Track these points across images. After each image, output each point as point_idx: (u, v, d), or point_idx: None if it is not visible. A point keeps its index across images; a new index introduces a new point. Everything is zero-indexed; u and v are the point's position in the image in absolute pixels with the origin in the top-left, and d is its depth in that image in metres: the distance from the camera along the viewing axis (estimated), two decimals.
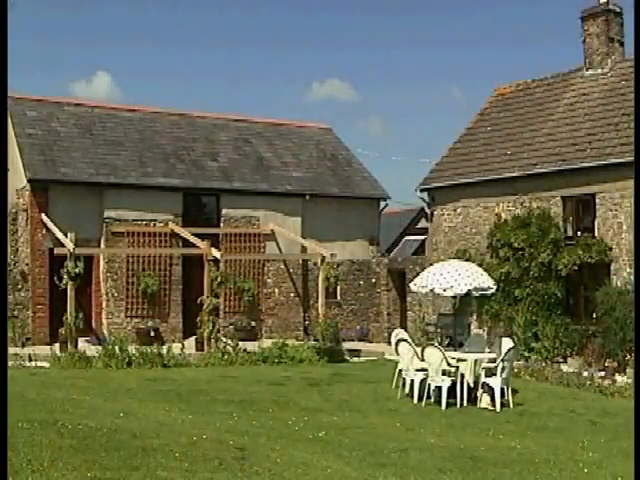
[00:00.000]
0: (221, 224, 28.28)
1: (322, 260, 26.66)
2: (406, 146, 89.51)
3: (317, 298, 27.04)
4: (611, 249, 23.28)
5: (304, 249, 29.14)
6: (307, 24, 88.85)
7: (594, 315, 23.25)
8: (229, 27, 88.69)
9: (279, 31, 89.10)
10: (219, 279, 24.52)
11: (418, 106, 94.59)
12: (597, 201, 23.75)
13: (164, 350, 22.37)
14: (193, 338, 24.88)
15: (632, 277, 22.69)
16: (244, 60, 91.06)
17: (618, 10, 27.29)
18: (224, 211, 28.35)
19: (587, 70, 27.48)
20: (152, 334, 25.70)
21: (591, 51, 27.36)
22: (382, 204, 32.52)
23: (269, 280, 29.06)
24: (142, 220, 26.79)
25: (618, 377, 21.00)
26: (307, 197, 29.78)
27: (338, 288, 30.12)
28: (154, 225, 26.92)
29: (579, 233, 24.41)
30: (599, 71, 27.04)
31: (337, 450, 11.87)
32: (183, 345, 23.63)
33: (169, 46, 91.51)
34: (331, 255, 27.11)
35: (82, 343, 23.33)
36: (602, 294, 22.84)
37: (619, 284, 22.90)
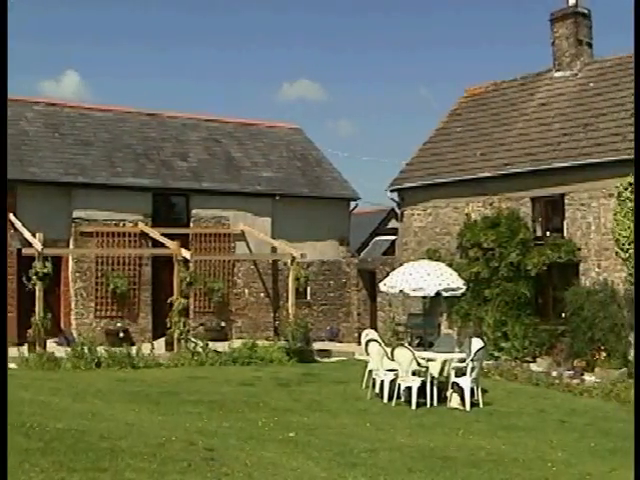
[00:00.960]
0: (191, 224, 28.19)
1: (292, 260, 26.64)
2: (376, 146, 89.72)
3: (287, 298, 27.00)
4: (580, 249, 23.44)
5: (274, 249, 29.10)
6: (277, 24, 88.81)
7: (563, 315, 23.41)
8: (199, 27, 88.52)
9: (249, 31, 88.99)
10: (189, 279, 24.45)
11: (388, 106, 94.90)
12: (566, 201, 23.90)
13: (133, 351, 22.27)
14: (163, 339, 24.75)
15: (600, 277, 22.88)
16: (214, 60, 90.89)
17: (586, 12, 27.51)
18: (194, 211, 28.26)
19: (556, 71, 27.68)
20: (121, 335, 25.56)
21: (560, 53, 27.56)
22: (352, 204, 32.53)
23: (239, 280, 29.00)
24: (111, 220, 26.64)
25: (587, 376, 21.15)
26: (277, 197, 29.75)
27: (308, 288, 30.14)
28: (123, 225, 26.78)
29: (548, 233, 24.56)
30: (568, 72, 27.25)
31: (307, 450, 11.86)
32: (153, 346, 23.50)
33: (139, 46, 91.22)
34: (301, 255, 27.10)
35: (51, 344, 23.17)
36: (571, 294, 23.00)
37: (588, 284, 23.07)
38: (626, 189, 22.19)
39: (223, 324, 28.11)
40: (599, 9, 53.51)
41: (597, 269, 23.07)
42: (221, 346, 24.22)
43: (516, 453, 12.68)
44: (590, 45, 27.70)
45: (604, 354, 21.71)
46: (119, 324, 26.14)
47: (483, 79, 32.48)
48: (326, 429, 13.99)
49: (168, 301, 24.15)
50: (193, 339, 24.05)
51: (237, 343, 24.79)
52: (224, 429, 13.23)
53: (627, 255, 22.24)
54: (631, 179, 22.04)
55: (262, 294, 29.39)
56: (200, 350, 23.22)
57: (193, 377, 20.21)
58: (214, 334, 26.80)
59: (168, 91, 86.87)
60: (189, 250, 25.55)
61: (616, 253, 22.58)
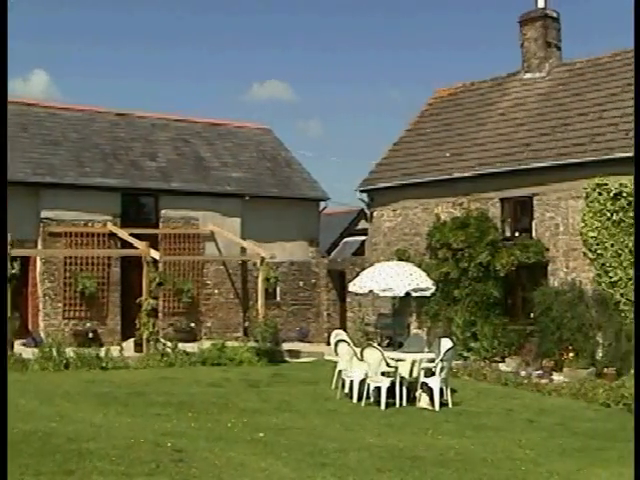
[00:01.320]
0: (160, 225, 28.06)
1: (261, 261, 26.61)
2: (346, 147, 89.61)
3: (257, 299, 26.96)
4: (548, 250, 23.59)
5: (243, 250, 29.06)
6: (246, 24, 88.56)
7: (532, 315, 23.54)
8: (169, 27, 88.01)
9: (219, 30, 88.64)
10: (158, 280, 24.34)
11: (357, 107, 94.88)
12: (535, 202, 24.05)
13: (102, 352, 22.12)
14: (132, 340, 24.62)
15: (568, 277, 23.04)
16: (183, 60, 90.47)
17: (555, 15, 27.74)
18: (163, 212, 28.14)
19: (525, 73, 27.85)
20: (90, 336, 25.38)
21: (529, 55, 27.75)
22: (322, 205, 32.56)
23: (208, 281, 28.91)
24: (80, 220, 26.44)
25: (555, 376, 21.29)
26: (246, 198, 29.68)
27: (278, 289, 30.13)
28: (92, 226, 26.59)
29: (517, 234, 24.70)
30: (537, 75, 27.43)
31: (276, 451, 11.85)
32: (122, 347, 23.36)
33: (108, 45, 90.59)
34: (270, 256, 27.08)
35: (18, 346, 22.98)
36: (539, 294, 23.15)
37: (556, 284, 23.23)
38: (594, 190, 22.37)
39: (192, 325, 28.01)
40: (568, 13, 53.77)
41: (565, 269, 23.23)
42: (190, 347, 24.13)
43: (485, 453, 12.73)
44: (559, 48, 27.91)
45: (572, 354, 21.87)
46: (88, 325, 25.97)
47: (452, 80, 32.62)
48: (295, 429, 13.98)
49: (137, 302, 24.02)
50: (162, 340, 23.94)
51: (207, 344, 24.69)
52: (193, 430, 13.19)
53: (595, 256, 22.41)
54: (599, 180, 22.24)
55: (231, 295, 29.33)
56: (169, 351, 23.13)
57: (162, 378, 20.11)
58: (183, 335, 26.69)
59: (137, 91, 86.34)
60: (158, 251, 25.44)
61: (584, 254, 22.75)
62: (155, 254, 24.58)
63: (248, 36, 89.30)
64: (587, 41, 74.19)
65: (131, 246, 25.48)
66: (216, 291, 28.98)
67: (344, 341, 18.64)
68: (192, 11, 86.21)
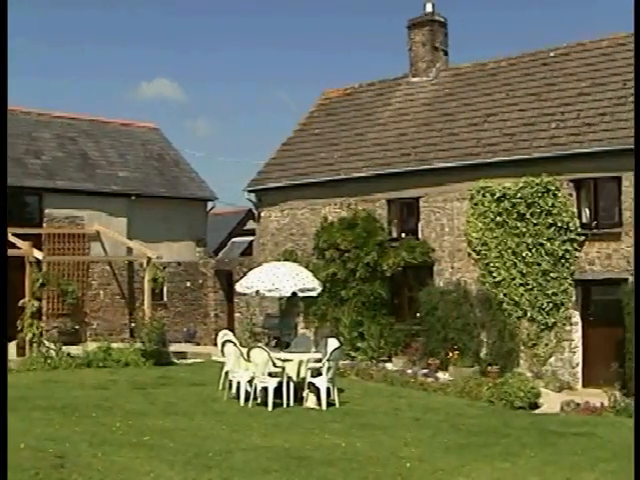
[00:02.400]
0: (44, 224, 27.44)
1: (148, 261, 26.32)
2: (234, 147, 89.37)
3: (143, 300, 26.66)
4: (434, 250, 23.96)
5: (130, 250, 28.68)
6: (134, 21, 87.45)
7: (418, 315, 23.85)
8: (57, 24, 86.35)
9: (106, 28, 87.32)
10: (41, 281, 23.80)
11: (246, 107, 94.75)
12: (421, 204, 24.39)
13: None
14: (14, 343, 24.02)
15: (454, 278, 23.45)
16: (68, 57, 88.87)
17: (443, 20, 28.23)
18: (47, 211, 27.52)
19: (413, 77, 28.22)
20: None
21: (417, 59, 28.17)
22: (209, 205, 32.40)
23: (94, 282, 28.43)
24: None
25: (440, 375, 21.65)
26: (133, 197, 29.30)
27: (165, 289, 29.87)
28: None
29: (404, 235, 24.99)
30: (424, 78, 27.86)
31: (161, 454, 11.71)
32: None
33: None
34: (157, 256, 26.80)
35: None
36: (425, 294, 23.48)
37: (442, 284, 23.61)
38: (478, 192, 22.83)
39: (77, 327, 27.47)
40: (454, 18, 54.64)
41: (451, 270, 23.65)
42: (75, 349, 23.68)
43: (371, 451, 12.80)
44: (446, 52, 28.43)
45: (457, 353, 22.24)
46: None
47: (343, 82, 32.85)
48: (182, 432, 13.83)
49: (19, 303, 23.44)
50: (46, 342, 23.41)
51: (92, 346, 24.27)
52: (76, 435, 12.92)
53: (479, 256, 22.87)
54: (483, 183, 22.69)
55: (118, 296, 28.91)
56: (53, 354, 22.65)
57: (45, 381, 19.66)
58: (68, 337, 26.15)
59: (22, 87, 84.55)
60: (42, 251, 24.89)
61: (469, 254, 23.20)
62: (38, 254, 24.04)
63: (136, 34, 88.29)
64: (475, 47, 75.76)
65: (13, 246, 24.81)
66: (102, 292, 28.52)
67: (231, 342, 18.53)
68: (78, 8, 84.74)
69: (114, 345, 24.15)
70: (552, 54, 25.42)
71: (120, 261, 28.96)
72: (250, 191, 28.70)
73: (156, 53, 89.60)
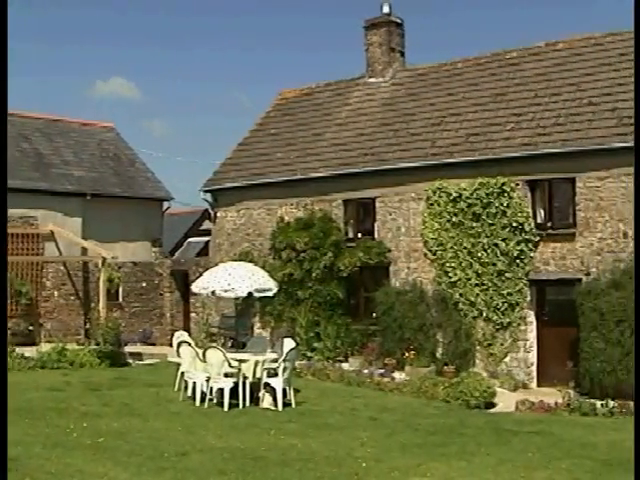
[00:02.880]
0: None
1: (103, 262, 26.12)
2: (191, 147, 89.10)
3: (98, 300, 26.46)
4: (390, 251, 24.01)
5: (85, 250, 28.42)
6: (89, 19, 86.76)
7: (374, 315, 23.89)
8: (12, 21, 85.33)
9: (59, 26, 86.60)
10: None
11: (202, 107, 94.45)
12: (377, 204, 24.43)
13: None
14: None
15: (410, 278, 23.52)
16: (24, 55, 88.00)
17: (399, 22, 28.33)
18: None
19: (369, 78, 28.27)
20: None
21: (373, 60, 28.21)
22: (165, 205, 32.23)
23: (48, 282, 28.13)
24: None
25: (397, 374, 21.68)
26: (88, 197, 29.04)
27: (120, 290, 29.65)
28: None
29: (360, 235, 25.03)
30: (381, 79, 27.90)
31: (116, 456, 11.64)
32: None
33: None
34: (112, 257, 26.60)
35: None
36: (382, 294, 23.53)
37: (398, 284, 23.67)
38: (434, 193, 22.92)
39: (31, 328, 27.16)
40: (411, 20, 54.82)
41: (407, 270, 23.71)
42: (29, 351, 23.41)
43: (327, 451, 12.83)
44: (402, 53, 28.53)
45: (413, 352, 22.30)
46: None
47: (298, 83, 32.83)
48: (136, 433, 13.76)
49: None
50: None
51: (46, 347, 24.02)
52: (29, 437, 12.80)
53: (435, 257, 22.96)
54: (439, 184, 22.80)
55: (72, 296, 28.63)
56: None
57: None
58: (21, 338, 25.85)
59: None
60: None
61: (425, 255, 23.28)
62: None
63: (91, 32, 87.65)
64: (431, 49, 76.12)
65: None
66: (56, 293, 28.23)
67: (186, 342, 18.49)
68: (36, 6, 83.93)
69: (69, 346, 23.92)
70: (509, 56, 25.61)
71: (75, 261, 28.68)
72: (206, 191, 28.56)
73: (111, 52, 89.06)
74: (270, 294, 18.92)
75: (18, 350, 22.86)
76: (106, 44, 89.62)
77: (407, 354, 22.36)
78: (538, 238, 21.37)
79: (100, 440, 12.78)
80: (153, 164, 66.83)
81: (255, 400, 17.13)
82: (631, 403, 17.41)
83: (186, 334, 20.64)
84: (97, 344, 24.53)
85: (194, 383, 17.37)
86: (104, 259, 26.10)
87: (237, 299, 22.09)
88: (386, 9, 28.09)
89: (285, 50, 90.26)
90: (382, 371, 21.95)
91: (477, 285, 22.19)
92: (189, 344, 18.37)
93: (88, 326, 28.16)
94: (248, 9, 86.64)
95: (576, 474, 11.59)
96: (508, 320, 21.79)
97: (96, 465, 10.81)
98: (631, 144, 19.72)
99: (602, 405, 17.62)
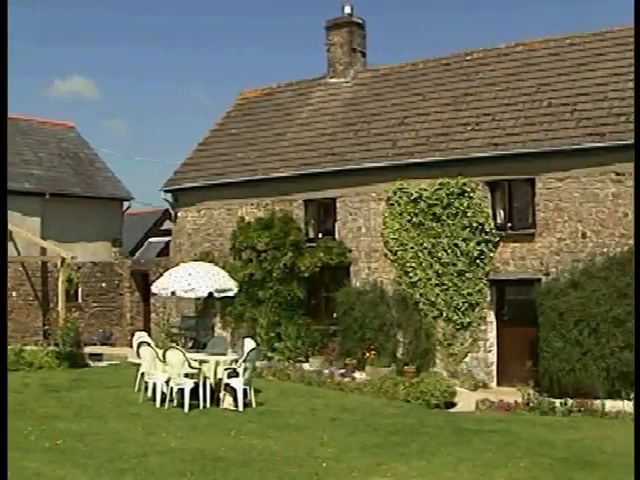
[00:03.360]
0: None
1: (62, 262, 25.92)
2: (151, 147, 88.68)
3: (57, 301, 26.24)
4: (351, 251, 24.04)
5: (44, 250, 28.18)
6: (47, 17, 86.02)
7: (335, 315, 23.90)
8: None
9: (16, 24, 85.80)
10: None
11: (163, 106, 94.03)
12: (338, 205, 24.45)
13: None
14: None
15: (370, 278, 23.55)
16: None
17: (361, 22, 28.37)
18: None
19: (331, 78, 28.29)
20: None
21: (335, 60, 28.23)
22: (125, 204, 32.05)
23: None
24: None
25: (357, 374, 21.71)
26: (47, 196, 28.80)
27: (80, 290, 29.45)
28: None
29: (320, 236, 25.03)
30: (342, 80, 27.93)
31: (74, 458, 11.55)
32: None
33: None
34: (72, 257, 26.38)
35: None
36: (342, 295, 23.55)
37: (359, 285, 23.70)
38: (395, 193, 22.98)
39: None
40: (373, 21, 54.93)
41: (367, 270, 23.74)
42: None
43: (288, 451, 12.82)
44: (364, 54, 28.58)
45: (374, 352, 22.35)
46: None
47: (259, 82, 32.79)
48: (96, 435, 13.66)
49: None
50: None
51: None
52: None
53: (395, 257, 23.02)
54: (400, 184, 22.86)
55: (31, 297, 28.37)
56: None
57: None
58: None
59: None
60: None
61: (385, 255, 23.32)
62: None
63: (48, 30, 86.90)
64: (392, 50, 76.34)
65: None
66: (14, 293, 27.93)
67: (146, 343, 18.39)
68: None
69: (27, 348, 23.73)
70: (471, 57, 25.75)
71: (33, 262, 28.43)
72: (166, 191, 28.38)
73: (70, 50, 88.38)
74: (231, 294, 18.91)
75: None
76: (65, 43, 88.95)
77: (368, 354, 22.40)
78: (498, 238, 21.51)
79: (59, 442, 12.67)
80: (113, 164, 66.29)
81: (216, 401, 17.08)
82: (589, 402, 17.61)
83: (146, 335, 20.54)
84: (56, 345, 24.33)
85: (154, 384, 17.27)
86: (63, 259, 25.89)
87: (198, 299, 22.03)
88: (348, 10, 28.12)
89: (246, 49, 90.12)
90: (343, 371, 21.97)
91: (437, 285, 22.27)
92: (149, 345, 18.27)
93: (47, 327, 27.91)
94: (208, 8, 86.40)
95: (535, 472, 11.67)
96: (468, 320, 21.90)
97: (54, 468, 10.72)
98: (589, 145, 20.03)
99: (561, 404, 17.76)
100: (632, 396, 18.26)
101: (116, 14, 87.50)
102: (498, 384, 21.69)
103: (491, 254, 21.57)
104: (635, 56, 20.92)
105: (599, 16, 77.00)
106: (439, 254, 22.18)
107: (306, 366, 23.01)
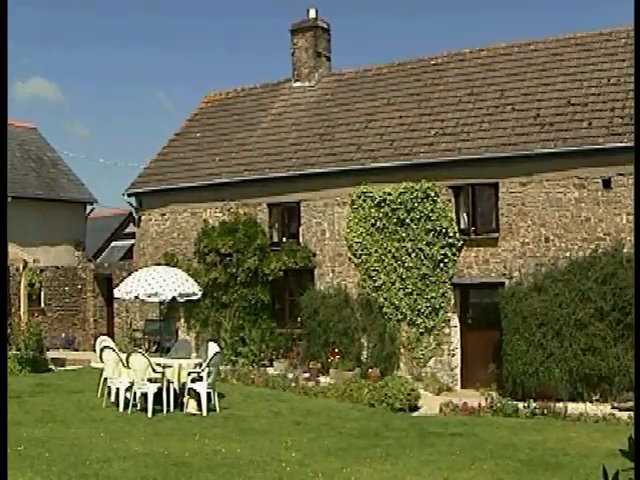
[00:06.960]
0: None
1: (24, 265, 25.65)
2: (115, 149, 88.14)
3: (19, 305, 25.98)
4: (315, 255, 24.04)
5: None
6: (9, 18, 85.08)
7: (299, 319, 23.89)
8: None
9: None
10: None
11: (126, 108, 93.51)
12: (302, 208, 24.44)
13: None
14: None
15: (335, 282, 23.56)
16: None
17: (326, 26, 28.42)
18: None
19: (295, 82, 28.30)
20: None
21: (299, 64, 28.24)
22: (89, 208, 31.84)
23: None
24: None
25: (322, 378, 21.72)
26: (9, 199, 28.50)
27: (42, 294, 29.20)
28: None
29: (285, 239, 24.99)
30: (306, 83, 27.97)
31: (36, 464, 11.44)
32: None
33: None
34: (34, 260, 26.15)
35: None
36: (306, 298, 23.55)
37: (323, 288, 23.69)
38: (359, 197, 23.01)
39: None
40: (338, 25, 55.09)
41: (332, 274, 23.76)
42: None
43: (252, 455, 12.79)
44: (328, 58, 28.63)
45: (338, 356, 22.37)
46: None
47: (223, 85, 32.69)
48: (58, 441, 13.53)
49: None
50: None
51: None
52: None
53: (359, 261, 23.05)
54: (364, 188, 22.89)
55: None
56: None
57: None
58: None
59: None
60: None
61: (349, 259, 23.35)
62: None
63: (10, 31, 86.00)
64: (356, 53, 76.50)
65: None
66: None
67: (109, 347, 18.27)
68: None
69: None
70: (434, 62, 25.89)
71: None
72: (130, 194, 28.20)
73: (30, 52, 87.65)
74: (195, 298, 18.87)
75: None
76: (24, 44, 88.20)
77: (332, 358, 22.41)
78: (462, 242, 21.60)
79: (20, 449, 12.53)
80: (76, 166, 66.00)
81: (179, 405, 17.03)
82: (552, 404, 17.71)
83: (109, 339, 20.40)
84: (18, 350, 24.08)
85: (117, 389, 17.19)
86: (25, 263, 25.63)
87: (162, 303, 21.92)
88: (312, 14, 28.16)
89: (209, 51, 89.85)
90: (307, 375, 21.98)
91: (401, 289, 22.33)
92: (112, 349, 18.16)
93: (9, 332, 27.63)
94: (172, 9, 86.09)
95: (499, 474, 11.73)
96: (432, 324, 21.98)
97: (15, 475, 10.58)
98: (552, 150, 20.18)
99: (524, 406, 17.87)
100: (594, 398, 18.50)
101: (78, 15, 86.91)
102: (462, 387, 21.79)
103: (455, 258, 21.66)
104: (635, 56, 21.13)
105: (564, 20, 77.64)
106: (403, 258, 22.24)
107: (270, 370, 22.99)
